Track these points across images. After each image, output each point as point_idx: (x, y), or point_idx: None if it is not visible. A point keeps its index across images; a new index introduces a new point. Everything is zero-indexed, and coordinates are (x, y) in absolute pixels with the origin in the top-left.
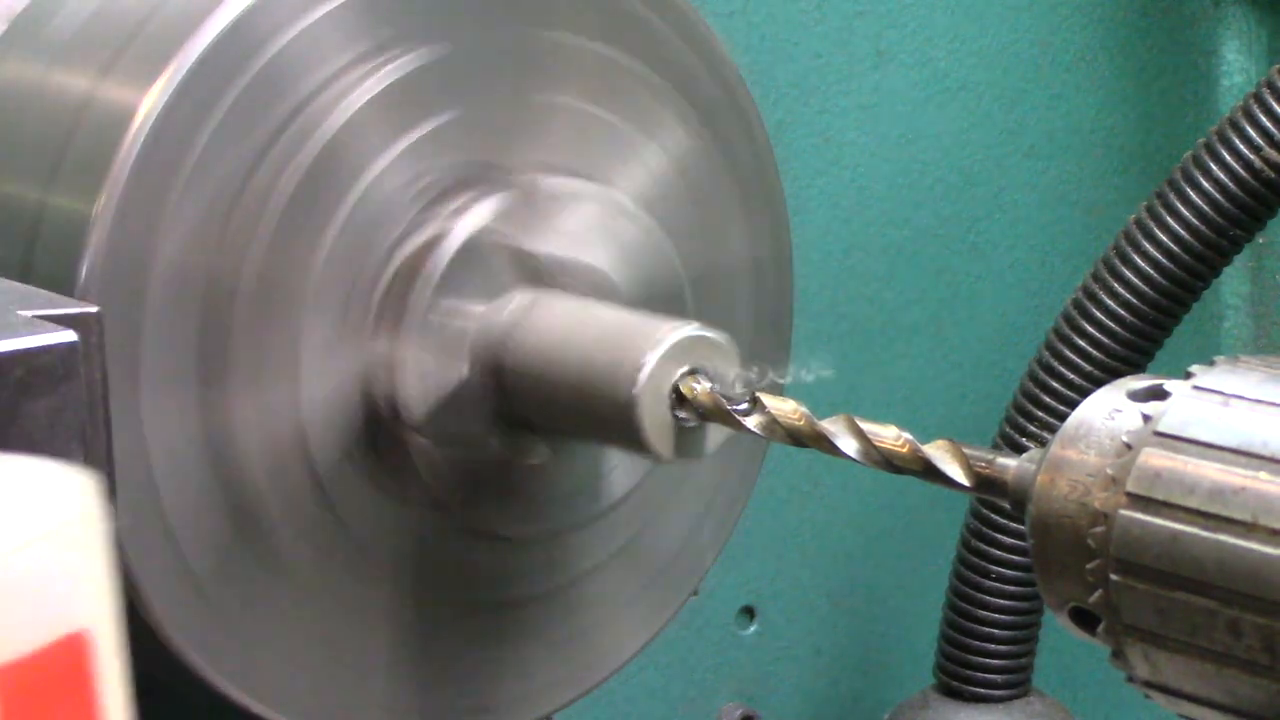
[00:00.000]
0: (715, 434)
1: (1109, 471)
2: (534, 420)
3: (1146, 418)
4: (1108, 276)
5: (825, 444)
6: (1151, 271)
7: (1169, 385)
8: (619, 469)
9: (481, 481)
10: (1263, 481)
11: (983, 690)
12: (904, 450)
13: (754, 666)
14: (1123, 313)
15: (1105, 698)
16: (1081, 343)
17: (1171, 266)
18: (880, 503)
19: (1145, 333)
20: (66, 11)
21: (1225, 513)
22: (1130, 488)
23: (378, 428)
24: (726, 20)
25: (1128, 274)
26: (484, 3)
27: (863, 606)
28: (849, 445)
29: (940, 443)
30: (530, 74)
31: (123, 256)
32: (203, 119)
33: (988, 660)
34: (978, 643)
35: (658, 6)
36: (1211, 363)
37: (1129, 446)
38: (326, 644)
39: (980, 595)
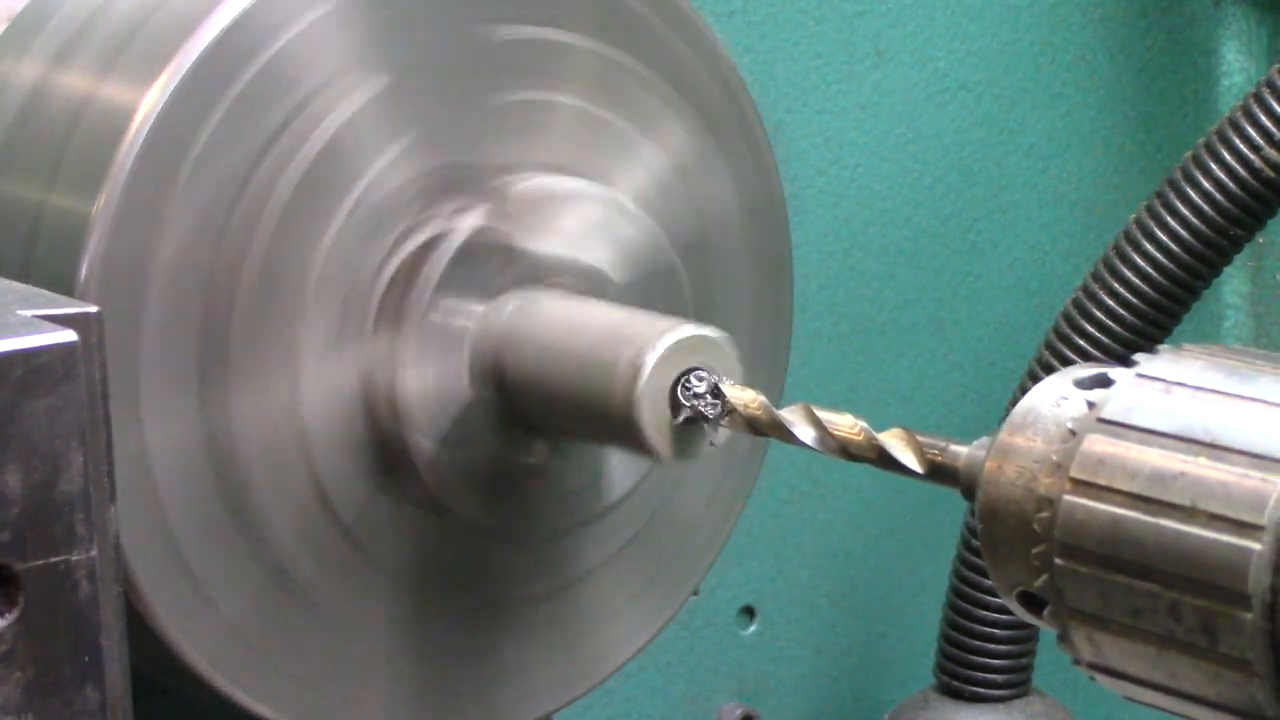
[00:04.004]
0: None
1: (1054, 457)
2: (534, 420)
3: (1091, 404)
4: (1108, 276)
5: (783, 432)
6: (1151, 271)
7: (1113, 373)
8: (619, 469)
9: (481, 481)
10: (1202, 467)
11: (983, 690)
12: (859, 438)
13: (754, 666)
14: (1123, 312)
15: (1105, 698)
16: (1081, 342)
17: (1171, 266)
18: (880, 503)
19: (1145, 332)
20: (66, 11)
21: (1165, 497)
22: (1074, 473)
23: (377, 428)
24: (726, 20)
25: (1128, 274)
26: (484, 2)
27: (863, 606)
28: (806, 433)
29: (894, 431)
30: (530, 73)
31: (123, 256)
32: (203, 119)
33: (988, 660)
34: (978, 643)
35: (658, 6)
36: (1155, 351)
37: (1074, 433)
38: (326, 644)
39: (980, 595)
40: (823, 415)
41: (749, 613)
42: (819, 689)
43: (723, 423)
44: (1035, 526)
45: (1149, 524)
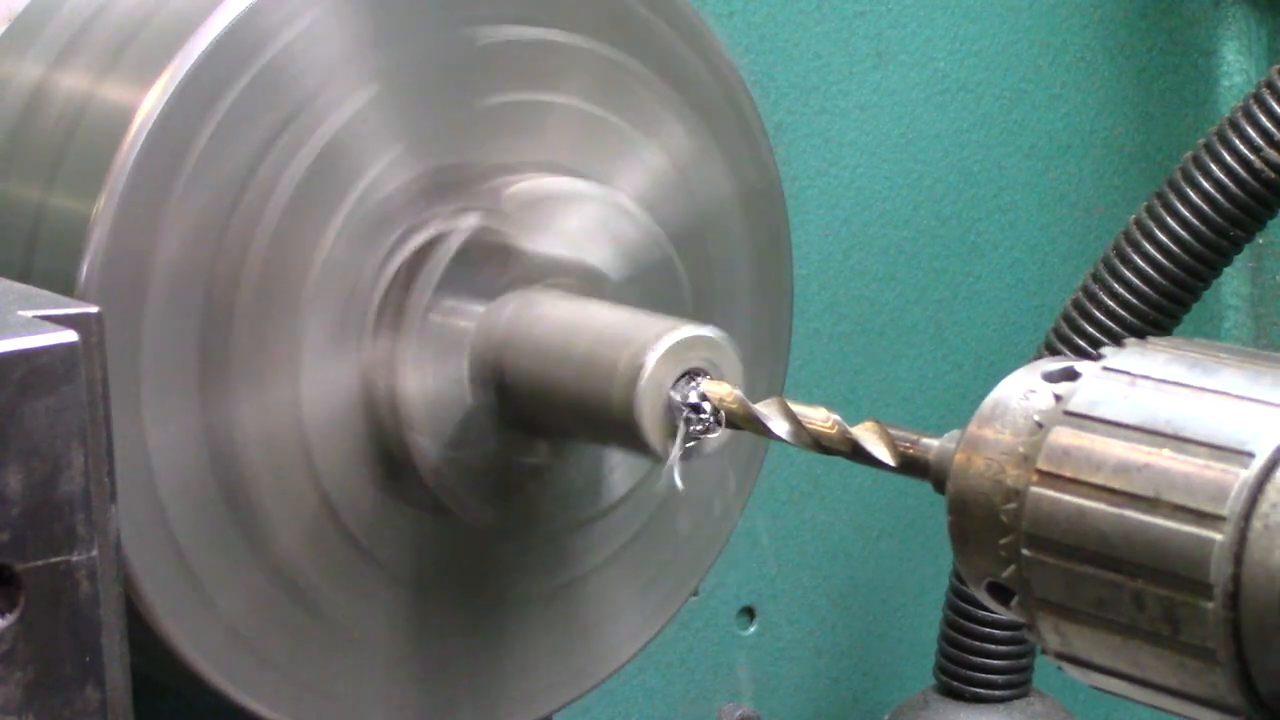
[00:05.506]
0: (715, 434)
1: (1021, 450)
2: (534, 421)
3: (1058, 397)
4: (1107, 276)
5: (758, 425)
6: (1151, 272)
7: (1080, 366)
8: (619, 469)
9: (482, 482)
10: (1165, 458)
11: (983, 690)
12: (832, 431)
13: (754, 666)
14: (1122, 313)
15: (1105, 698)
16: (1081, 343)
17: (1171, 266)
18: (880, 503)
19: (1145, 333)
20: (66, 11)
21: (1130, 489)
22: (1041, 465)
23: (378, 428)
24: (726, 20)
25: (1127, 274)
26: (483, 2)
27: (863, 606)
28: (780, 427)
29: (867, 424)
30: (529, 74)
31: (123, 256)
32: (203, 119)
33: (988, 660)
34: (978, 643)
35: (658, 6)
36: (1122, 344)
37: (1041, 425)
38: (327, 644)
39: None
40: (797, 409)
41: (749, 613)
42: (819, 689)
43: (705, 418)
44: (1003, 518)
45: (1114, 515)
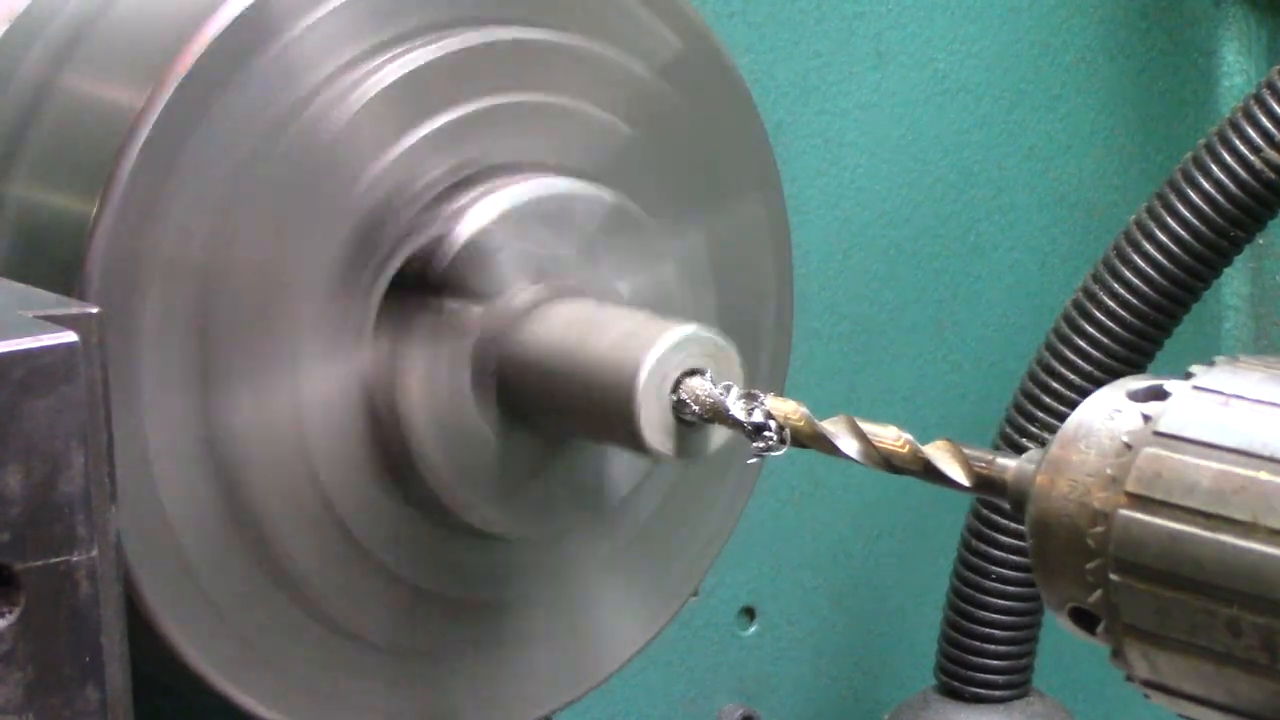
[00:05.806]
0: (717, 434)
1: (1109, 471)
2: (535, 420)
3: (1147, 418)
4: (1108, 276)
5: (825, 444)
6: (1151, 272)
7: (1169, 385)
8: (619, 469)
9: (481, 482)
10: (1263, 481)
11: (983, 690)
12: (904, 450)
13: (754, 666)
14: (1123, 313)
15: (1105, 698)
16: (1081, 343)
17: (1171, 267)
18: (880, 503)
19: (1145, 333)
20: (67, 12)
21: (1225, 512)
22: (1130, 487)
23: (378, 427)
24: (726, 21)
25: (1128, 274)
26: (484, 3)
27: (863, 606)
28: (849, 446)
29: (940, 443)
30: (532, 74)
31: (123, 256)
32: (203, 118)
33: (988, 660)
34: (978, 643)
35: (657, 7)
36: (1211, 363)
37: (1129, 446)
38: (326, 644)
39: (980, 595)
40: (866, 427)
41: (749, 613)
42: (819, 689)
43: (770, 437)
44: (1089, 541)
45: (1208, 539)
